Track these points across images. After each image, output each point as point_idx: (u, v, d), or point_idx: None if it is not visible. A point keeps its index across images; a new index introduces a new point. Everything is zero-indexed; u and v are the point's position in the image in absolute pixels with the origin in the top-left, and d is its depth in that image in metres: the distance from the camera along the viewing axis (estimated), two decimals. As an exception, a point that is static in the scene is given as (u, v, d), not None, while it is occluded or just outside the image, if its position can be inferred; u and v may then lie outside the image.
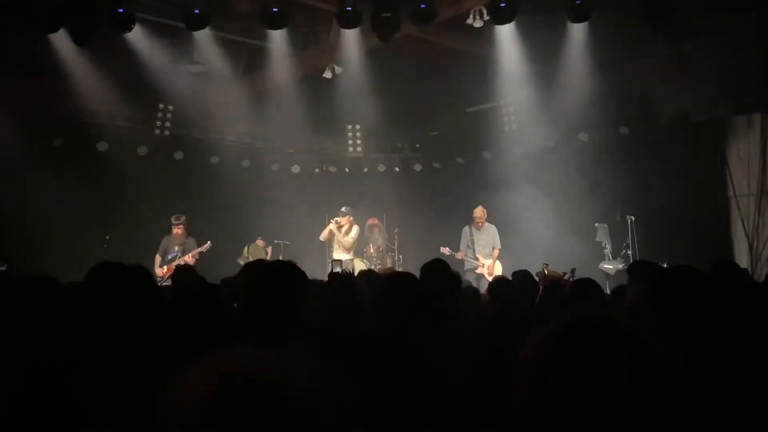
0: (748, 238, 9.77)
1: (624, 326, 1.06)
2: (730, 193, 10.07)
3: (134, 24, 8.45)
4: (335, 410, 1.30)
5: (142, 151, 11.01)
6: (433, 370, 2.62)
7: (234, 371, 1.18)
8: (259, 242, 11.31)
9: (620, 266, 9.37)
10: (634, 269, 3.99)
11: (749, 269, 9.08)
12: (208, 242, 9.92)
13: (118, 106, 10.56)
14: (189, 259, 9.59)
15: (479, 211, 10.34)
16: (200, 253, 9.82)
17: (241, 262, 10.66)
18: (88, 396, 2.00)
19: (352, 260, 10.45)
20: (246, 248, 11.18)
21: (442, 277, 3.49)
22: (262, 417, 1.13)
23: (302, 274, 2.35)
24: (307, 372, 1.35)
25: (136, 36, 9.12)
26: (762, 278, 7.76)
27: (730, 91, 9.02)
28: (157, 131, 11.15)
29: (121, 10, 8.25)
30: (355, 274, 9.08)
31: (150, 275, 2.64)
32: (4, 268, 8.06)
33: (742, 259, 9.61)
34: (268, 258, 11.19)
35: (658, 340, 1.04)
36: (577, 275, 7.76)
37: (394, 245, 11.70)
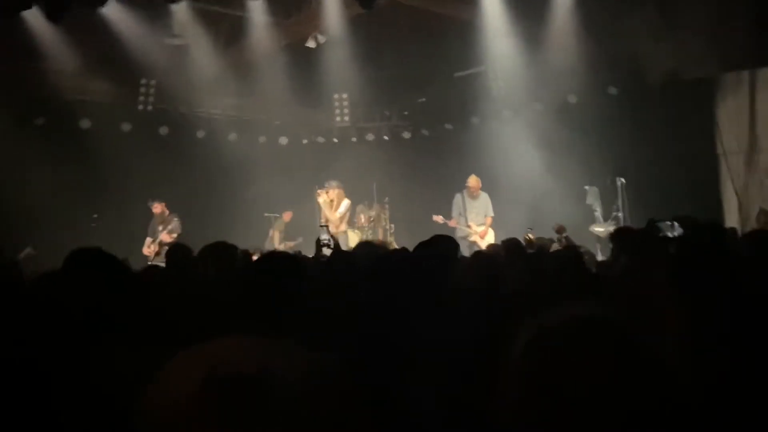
0: (737, 196, 9.78)
1: (615, 324, 1.04)
2: (719, 151, 10.04)
3: (109, -2, 8.26)
4: (320, 398, 1.28)
5: (126, 127, 10.86)
6: (420, 345, 2.60)
7: (222, 362, 1.16)
8: (285, 216, 11.42)
9: (611, 229, 9.36)
10: (619, 238, 3.96)
11: (738, 227, 9.10)
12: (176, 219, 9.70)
13: (99, 83, 10.39)
14: (165, 237, 9.49)
15: (473, 180, 10.27)
16: (174, 231, 9.67)
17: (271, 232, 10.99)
18: (61, 391, 1.97)
19: (345, 232, 10.39)
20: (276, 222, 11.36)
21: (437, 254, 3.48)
22: (249, 408, 1.11)
23: (297, 268, 2.39)
24: (295, 360, 1.32)
25: (112, 10, 8.91)
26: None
27: (718, 49, 8.92)
28: (141, 107, 10.98)
29: (94, -16, 8.04)
30: (349, 244, 9.15)
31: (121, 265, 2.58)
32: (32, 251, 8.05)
33: (732, 218, 9.64)
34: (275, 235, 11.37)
35: (650, 337, 1.02)
36: (570, 238, 7.78)
37: (385, 214, 11.66)
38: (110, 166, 10.20)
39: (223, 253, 3.41)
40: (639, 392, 0.96)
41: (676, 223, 3.78)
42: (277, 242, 11.20)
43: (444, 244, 3.68)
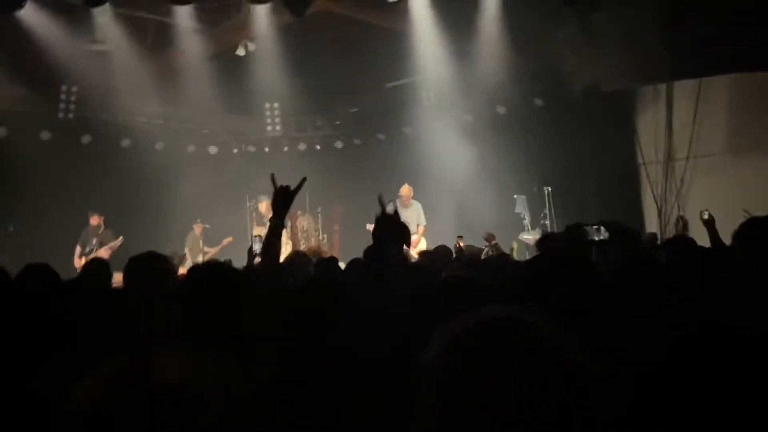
0: (657, 204, 10.23)
1: (527, 324, 1.04)
2: (640, 161, 10.49)
3: (26, 1, 7.89)
4: (247, 407, 1.25)
5: (45, 135, 10.39)
6: (352, 352, 2.58)
7: (146, 376, 1.13)
8: (196, 229, 11.09)
9: (538, 236, 9.61)
10: (544, 245, 4.05)
11: (658, 233, 9.51)
12: (121, 237, 9.71)
13: (16, 89, 9.89)
14: (104, 252, 9.23)
15: (405, 189, 10.34)
16: (114, 247, 9.53)
17: (186, 250, 10.62)
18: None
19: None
20: (187, 237, 11.02)
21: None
22: (174, 422, 1.08)
23: (237, 279, 2.34)
24: (223, 371, 1.29)
25: (30, 14, 8.53)
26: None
27: (636, 63, 9.33)
28: (61, 114, 10.53)
29: (10, -14, 7.69)
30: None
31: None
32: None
33: (652, 224, 10.07)
34: (202, 246, 11.01)
35: (564, 336, 1.03)
36: (499, 245, 7.94)
37: (317, 224, 11.58)
38: (28, 176, 9.73)
39: (154, 264, 3.29)
40: (552, 394, 0.97)
41: (602, 228, 3.91)
42: (190, 259, 10.74)
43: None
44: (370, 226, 10.30)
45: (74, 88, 10.44)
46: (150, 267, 2.89)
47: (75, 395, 1.13)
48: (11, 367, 2.02)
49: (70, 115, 10.57)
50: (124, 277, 2.97)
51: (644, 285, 2.13)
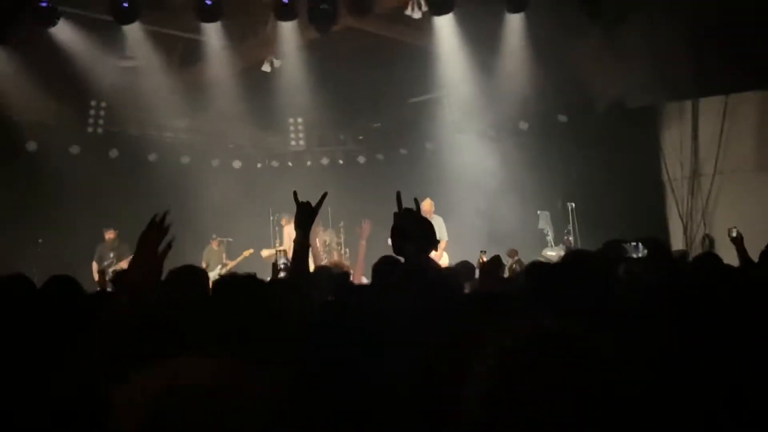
0: (682, 221, 10.11)
1: (577, 338, 1.06)
2: (665, 177, 10.39)
3: (59, 18, 8.09)
4: (268, 412, 1.28)
5: (74, 149, 10.59)
6: (378, 365, 2.58)
7: (180, 379, 1.16)
8: (214, 244, 11.15)
9: (562, 252, 9.55)
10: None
11: (685, 249, 9.40)
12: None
13: (47, 104, 10.11)
14: (124, 265, 9.35)
15: (427, 204, 10.33)
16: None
17: (204, 264, 10.59)
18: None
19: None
20: (204, 252, 11.07)
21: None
22: (205, 420, 1.11)
23: (263, 292, 2.36)
24: (248, 377, 1.32)
25: (62, 31, 8.73)
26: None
27: (662, 79, 9.28)
28: (90, 129, 10.75)
29: (44, 4, 7.88)
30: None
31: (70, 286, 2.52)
32: None
33: (678, 241, 9.94)
34: (224, 259, 11.09)
35: (610, 350, 1.04)
36: (522, 261, 7.89)
37: (340, 239, 11.62)
38: (58, 189, 9.91)
39: (191, 277, 3.35)
40: (601, 408, 0.98)
41: (640, 244, 3.87)
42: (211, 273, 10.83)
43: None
44: (393, 241, 10.02)
45: (103, 103, 10.66)
46: (187, 280, 2.93)
47: (113, 402, 1.16)
48: (33, 375, 2.06)
49: (99, 130, 10.78)
50: (162, 289, 3.02)
51: (682, 304, 2.11)
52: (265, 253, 10.84)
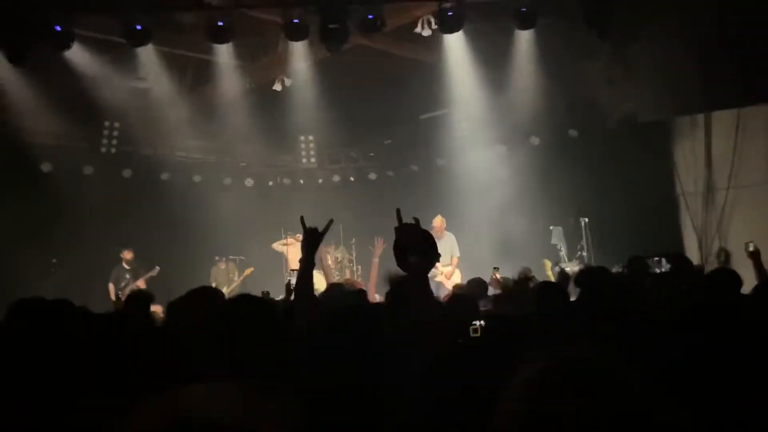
0: (697, 235, 10.02)
1: (608, 367, 1.04)
2: (678, 191, 10.32)
3: (73, 41, 8.20)
4: None
5: (88, 170, 10.69)
6: (391, 390, 2.56)
7: (190, 411, 1.13)
8: (221, 264, 11.20)
9: (576, 268, 9.48)
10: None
11: (702, 264, 9.30)
12: (156, 267, 9.91)
13: (61, 125, 10.22)
14: (141, 284, 9.41)
15: (438, 221, 10.33)
16: (152, 277, 9.72)
17: (213, 284, 10.63)
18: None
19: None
20: (212, 271, 11.16)
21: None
22: None
23: (265, 311, 2.35)
24: (263, 408, 1.30)
25: (76, 53, 8.85)
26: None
27: (673, 93, 9.25)
28: (104, 149, 10.85)
29: (58, 28, 7.99)
30: (317, 287, 9.08)
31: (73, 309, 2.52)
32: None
33: (692, 256, 9.84)
34: (236, 278, 11.12)
35: (640, 379, 1.03)
36: (536, 278, 7.83)
37: (352, 256, 11.62)
38: (72, 209, 9.99)
39: (207, 299, 3.35)
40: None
41: (663, 260, 3.84)
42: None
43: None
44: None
45: (116, 124, 10.75)
46: (204, 301, 2.93)
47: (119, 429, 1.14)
48: (48, 402, 2.04)
49: (113, 150, 10.88)
50: (174, 311, 3.02)
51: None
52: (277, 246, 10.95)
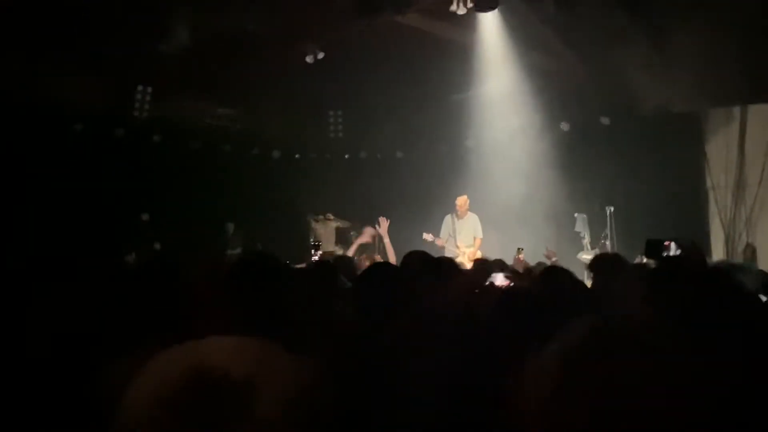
0: (724, 230, 9.87)
1: (641, 333, 1.06)
2: (708, 185, 10.15)
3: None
4: (303, 404, 1.28)
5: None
6: (410, 360, 2.59)
7: (206, 361, 1.16)
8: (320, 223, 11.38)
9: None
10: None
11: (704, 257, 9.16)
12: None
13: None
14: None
15: (462, 200, 10.32)
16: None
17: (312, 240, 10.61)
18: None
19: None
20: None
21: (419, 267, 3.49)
22: (231, 409, 1.11)
23: (281, 266, 2.35)
24: (279, 363, 1.32)
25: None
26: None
27: (709, 84, 9.06)
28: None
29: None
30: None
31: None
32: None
33: (719, 251, 9.71)
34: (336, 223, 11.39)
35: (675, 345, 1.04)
36: (558, 263, 7.81)
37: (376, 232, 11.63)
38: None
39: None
40: (669, 399, 0.98)
41: (673, 245, 3.82)
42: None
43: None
44: (427, 235, 10.25)
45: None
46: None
47: (131, 383, 1.17)
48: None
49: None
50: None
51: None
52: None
